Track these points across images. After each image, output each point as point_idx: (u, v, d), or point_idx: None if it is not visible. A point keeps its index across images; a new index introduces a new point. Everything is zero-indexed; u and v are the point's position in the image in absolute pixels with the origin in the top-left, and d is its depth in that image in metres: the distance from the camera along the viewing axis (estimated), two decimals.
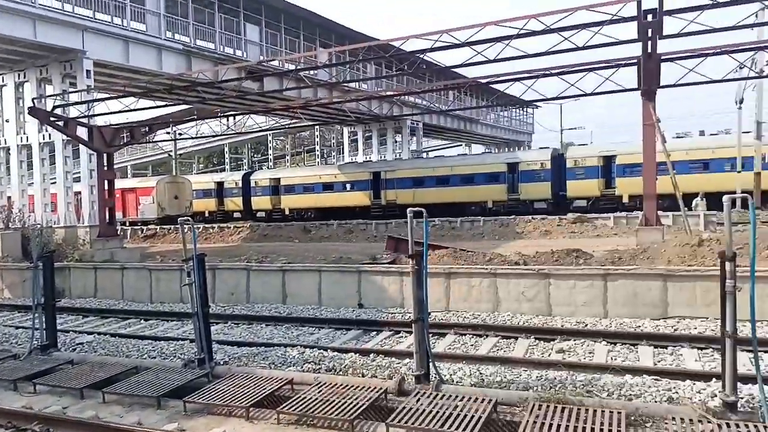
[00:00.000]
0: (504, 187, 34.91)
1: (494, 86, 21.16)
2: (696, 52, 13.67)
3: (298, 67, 27.79)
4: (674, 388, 7.60)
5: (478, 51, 15.25)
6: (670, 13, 12.63)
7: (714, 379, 7.64)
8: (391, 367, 8.89)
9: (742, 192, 26.47)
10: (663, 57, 13.71)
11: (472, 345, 10.50)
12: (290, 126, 50.72)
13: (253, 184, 44.30)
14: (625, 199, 30.82)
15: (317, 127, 57.86)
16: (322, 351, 10.04)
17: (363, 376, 8.37)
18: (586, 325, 11.17)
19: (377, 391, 7.18)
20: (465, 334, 11.04)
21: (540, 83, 15.88)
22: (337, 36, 34.82)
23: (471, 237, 26.05)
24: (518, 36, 14.42)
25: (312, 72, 28.93)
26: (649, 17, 13.07)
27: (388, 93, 31.90)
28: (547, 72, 15.00)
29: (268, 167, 61.62)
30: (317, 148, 63.25)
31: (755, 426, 5.89)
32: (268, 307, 14.83)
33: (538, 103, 55.15)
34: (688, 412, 6.34)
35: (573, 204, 33.06)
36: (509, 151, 55.64)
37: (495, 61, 14.91)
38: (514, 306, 12.41)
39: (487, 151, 64.21)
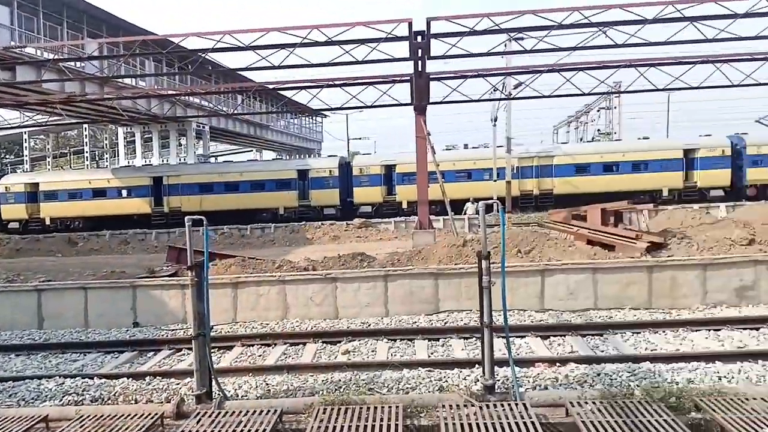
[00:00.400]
0: (295, 194, 35.19)
1: (283, 93, 21.15)
2: (458, 74, 15.33)
3: (61, 57, 24.45)
4: (445, 377, 8.32)
5: (263, 56, 15.08)
6: (437, 36, 13.99)
7: (477, 365, 8.54)
8: (169, 389, 8.22)
9: (498, 198, 30.51)
10: (432, 76, 15.11)
11: (259, 355, 10.25)
12: (50, 123, 44.41)
13: (2, 189, 37.80)
14: (405, 205, 33.33)
15: (87, 126, 51.67)
16: (86, 380, 8.87)
17: (136, 402, 7.59)
18: (370, 324, 11.70)
19: (152, 418, 6.54)
20: (253, 345, 10.73)
21: (327, 93, 16.36)
22: (109, 27, 31.52)
23: (262, 244, 25.67)
24: (302, 45, 14.62)
25: (79, 64, 25.73)
26: (420, 39, 14.30)
27: (170, 92, 29.86)
28: (331, 83, 15.46)
29: (24, 170, 53.20)
30: (86, 149, 56.41)
31: (509, 404, 6.70)
32: (20, 333, 12.68)
33: (326, 112, 56.82)
34: (455, 398, 6.95)
35: (359, 210, 34.72)
36: (300, 158, 56.33)
37: (280, 67, 14.90)
38: (303, 311, 12.46)
39: (278, 157, 64.14)
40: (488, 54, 14.22)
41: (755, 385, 7.33)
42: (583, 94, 16.79)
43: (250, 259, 14.99)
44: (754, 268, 11.71)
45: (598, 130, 47.57)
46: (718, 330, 10.26)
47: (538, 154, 34.35)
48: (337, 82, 16.13)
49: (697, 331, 10.30)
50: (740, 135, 33.78)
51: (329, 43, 14.73)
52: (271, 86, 17.97)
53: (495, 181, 32.50)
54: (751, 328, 10.23)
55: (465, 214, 27.83)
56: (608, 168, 33.26)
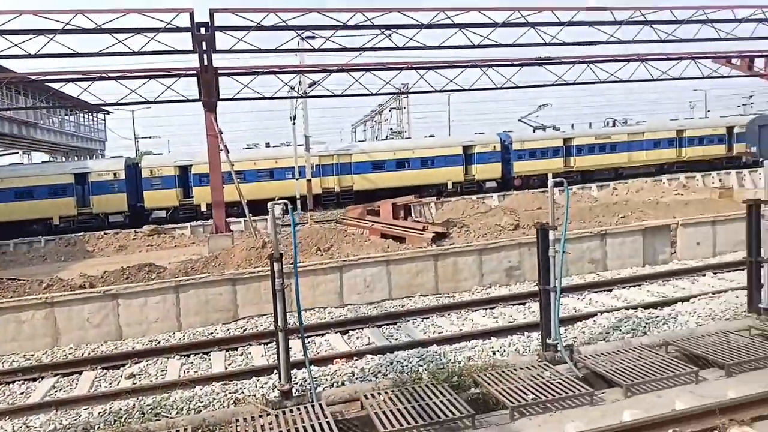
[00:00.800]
0: (72, 201, 31.10)
1: (50, 85, 18.48)
2: (249, 70, 14.83)
3: None
4: (242, 388, 7.95)
5: (15, 42, 12.91)
6: (222, 29, 13.32)
7: (276, 371, 8.30)
8: None
9: (301, 196, 30.21)
10: (220, 71, 14.38)
11: (21, 393, 8.76)
12: None
13: None
14: (203, 208, 31.56)
15: None
16: None
17: None
18: (159, 342, 10.76)
19: None
20: (13, 382, 9.15)
21: (105, 88, 14.60)
22: None
23: (29, 261, 22.11)
24: (65, 31, 12.81)
25: None
26: (204, 31, 13.46)
27: None
28: (104, 75, 13.84)
29: None
30: None
31: (305, 407, 6.60)
32: None
33: (110, 109, 51.39)
34: (250, 410, 6.64)
35: (152, 215, 32.03)
36: (79, 160, 50.11)
37: (38, 56, 12.89)
38: (78, 336, 10.96)
39: (51, 159, 56.27)
40: (277, 51, 13.99)
41: (521, 356, 8.26)
42: (371, 94, 17.53)
43: (9, 280, 12.80)
44: (518, 250, 13.30)
45: (391, 128, 50.38)
46: (494, 308, 11.46)
47: (337, 152, 35.11)
48: (111, 75, 14.50)
49: (476, 310, 11.37)
50: (507, 132, 38.46)
51: (99, 30, 13.14)
52: (32, 77, 15.49)
53: (297, 179, 32.46)
54: (519, 304, 11.60)
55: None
56: (401, 164, 35.35)
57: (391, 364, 8.38)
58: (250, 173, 32.91)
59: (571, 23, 15.41)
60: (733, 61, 20.48)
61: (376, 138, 52.36)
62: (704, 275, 12.91)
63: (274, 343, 10.04)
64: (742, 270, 9.92)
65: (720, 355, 7.16)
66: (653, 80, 19.84)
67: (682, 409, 5.85)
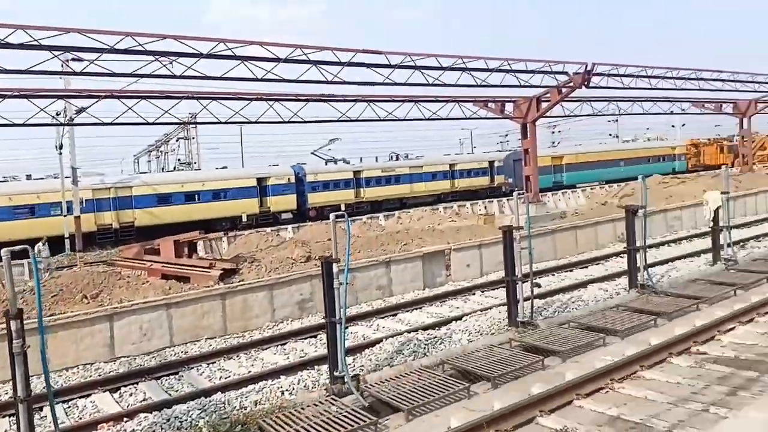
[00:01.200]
0: None
1: None
2: None
3: None
4: None
5: None
6: None
7: None
8: None
9: (71, 235, 26.58)
10: None
11: None
12: None
13: None
14: None
15: None
16: None
17: None
18: None
19: None
20: None
21: None
22: None
23: None
24: None
25: None
26: None
27: None
28: None
29: None
30: None
31: None
32: None
33: None
34: None
35: None
36: None
37: None
38: None
39: None
40: (29, 72, 12.07)
41: (310, 392, 8.09)
42: (146, 123, 16.27)
43: None
44: (310, 282, 13.28)
45: (179, 159, 47.64)
46: (285, 344, 11.18)
47: (115, 184, 31.94)
48: None
49: (267, 348, 10.98)
50: (301, 165, 38.99)
51: None
52: None
53: (65, 216, 28.63)
54: (311, 336, 11.51)
55: (38, 255, 23.48)
56: (190, 197, 33.44)
57: (168, 421, 7.56)
58: (4, 210, 28.31)
59: (350, 64, 16.21)
60: (489, 105, 23.53)
61: (163, 169, 49.02)
62: (474, 294, 14.29)
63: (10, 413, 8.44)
64: (503, 287, 11.18)
65: (487, 369, 7.82)
66: (425, 119, 21.85)
67: (455, 426, 6.19)
